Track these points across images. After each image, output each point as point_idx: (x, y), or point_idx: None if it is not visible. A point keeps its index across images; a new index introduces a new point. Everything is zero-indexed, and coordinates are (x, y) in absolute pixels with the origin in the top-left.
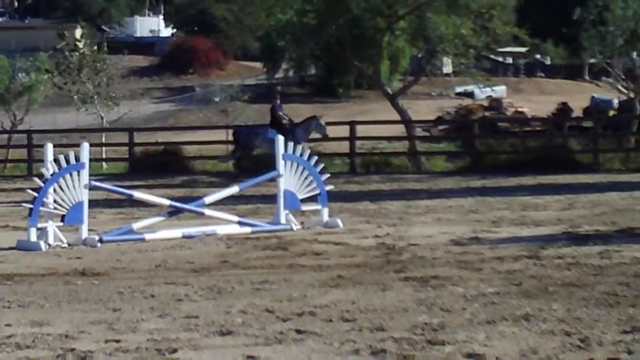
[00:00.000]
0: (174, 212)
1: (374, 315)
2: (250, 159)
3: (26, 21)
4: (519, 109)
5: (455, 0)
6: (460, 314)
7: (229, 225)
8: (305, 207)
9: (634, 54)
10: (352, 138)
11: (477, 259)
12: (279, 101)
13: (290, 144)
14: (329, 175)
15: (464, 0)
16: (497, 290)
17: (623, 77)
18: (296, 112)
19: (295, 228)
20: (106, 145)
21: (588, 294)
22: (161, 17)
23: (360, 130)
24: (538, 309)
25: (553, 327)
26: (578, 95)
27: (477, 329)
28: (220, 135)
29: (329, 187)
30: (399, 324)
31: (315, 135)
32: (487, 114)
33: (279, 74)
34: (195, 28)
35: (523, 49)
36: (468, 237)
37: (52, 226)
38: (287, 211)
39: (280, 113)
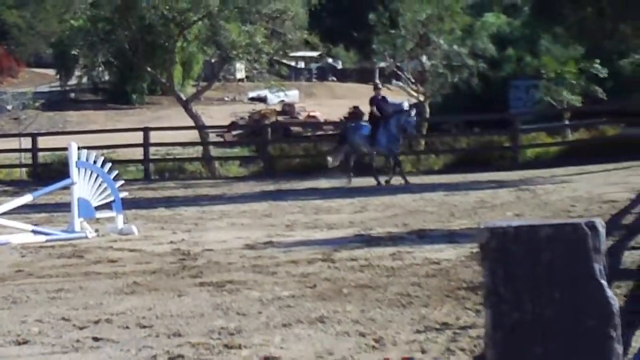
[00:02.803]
0: None
1: (170, 321)
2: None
3: None
4: (312, 113)
5: (245, 7)
6: (256, 317)
7: (23, 234)
8: (99, 215)
9: (424, 58)
10: (145, 144)
11: (272, 263)
12: (380, 93)
13: (84, 152)
14: (123, 182)
15: (254, 6)
16: (292, 294)
17: (413, 80)
18: (90, 118)
19: (90, 236)
20: None
21: (381, 295)
22: None
23: (154, 136)
24: (333, 310)
25: (348, 328)
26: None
27: (273, 332)
28: (13, 143)
29: (123, 194)
30: (195, 329)
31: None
32: (280, 118)
33: (73, 81)
34: None
35: (315, 54)
36: (262, 241)
37: None
38: (81, 219)
39: (374, 108)
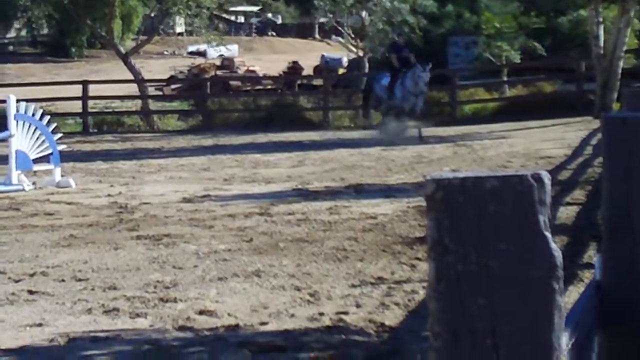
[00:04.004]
0: None
1: (106, 274)
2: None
3: None
4: (251, 68)
5: None
6: (192, 271)
7: None
8: (37, 167)
9: (363, 13)
10: (84, 97)
11: (209, 217)
12: (400, 40)
13: (22, 104)
14: (61, 134)
15: None
16: (228, 247)
17: (353, 35)
18: (28, 71)
19: (27, 188)
20: None
21: (318, 249)
22: None
23: (93, 89)
24: (269, 264)
25: (284, 282)
26: (309, 54)
27: (209, 286)
28: None
29: (61, 147)
30: (131, 283)
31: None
32: (219, 72)
33: (11, 34)
34: None
35: (255, 8)
36: (200, 195)
37: None
38: (19, 171)
39: (394, 55)
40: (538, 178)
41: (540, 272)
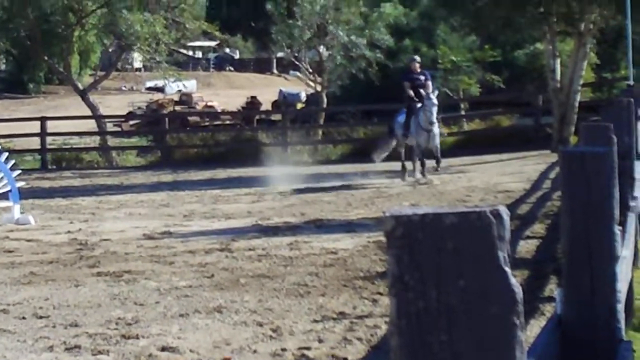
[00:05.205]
0: None
1: (67, 311)
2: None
3: None
4: (209, 103)
5: None
6: (153, 307)
7: None
8: None
9: (321, 48)
10: (42, 134)
11: (170, 253)
12: (414, 65)
13: None
14: (20, 171)
15: None
16: (189, 284)
17: (311, 70)
18: None
19: None
20: None
21: (279, 284)
22: None
23: (51, 125)
24: (230, 300)
25: (245, 318)
26: (267, 89)
27: (171, 322)
28: None
29: (20, 184)
30: (92, 320)
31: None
32: (177, 108)
33: None
34: None
35: (213, 43)
36: (160, 231)
37: None
38: None
39: (407, 83)
40: (497, 214)
41: (500, 308)
